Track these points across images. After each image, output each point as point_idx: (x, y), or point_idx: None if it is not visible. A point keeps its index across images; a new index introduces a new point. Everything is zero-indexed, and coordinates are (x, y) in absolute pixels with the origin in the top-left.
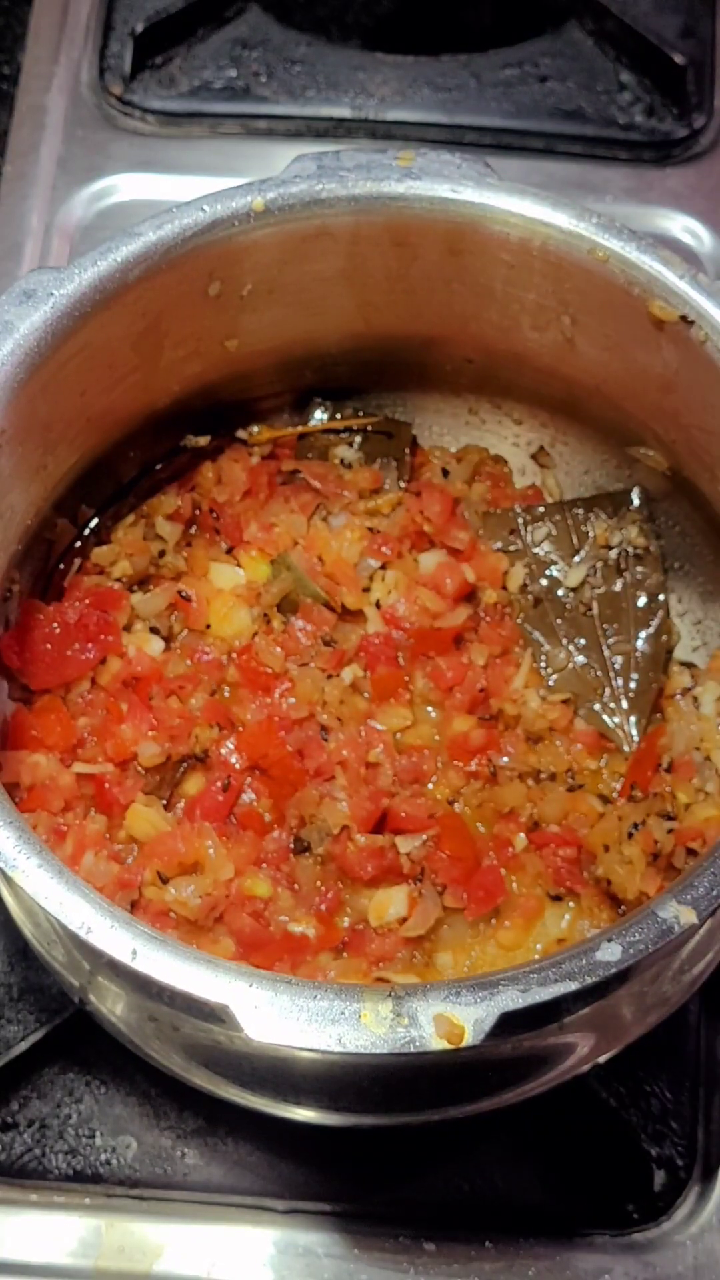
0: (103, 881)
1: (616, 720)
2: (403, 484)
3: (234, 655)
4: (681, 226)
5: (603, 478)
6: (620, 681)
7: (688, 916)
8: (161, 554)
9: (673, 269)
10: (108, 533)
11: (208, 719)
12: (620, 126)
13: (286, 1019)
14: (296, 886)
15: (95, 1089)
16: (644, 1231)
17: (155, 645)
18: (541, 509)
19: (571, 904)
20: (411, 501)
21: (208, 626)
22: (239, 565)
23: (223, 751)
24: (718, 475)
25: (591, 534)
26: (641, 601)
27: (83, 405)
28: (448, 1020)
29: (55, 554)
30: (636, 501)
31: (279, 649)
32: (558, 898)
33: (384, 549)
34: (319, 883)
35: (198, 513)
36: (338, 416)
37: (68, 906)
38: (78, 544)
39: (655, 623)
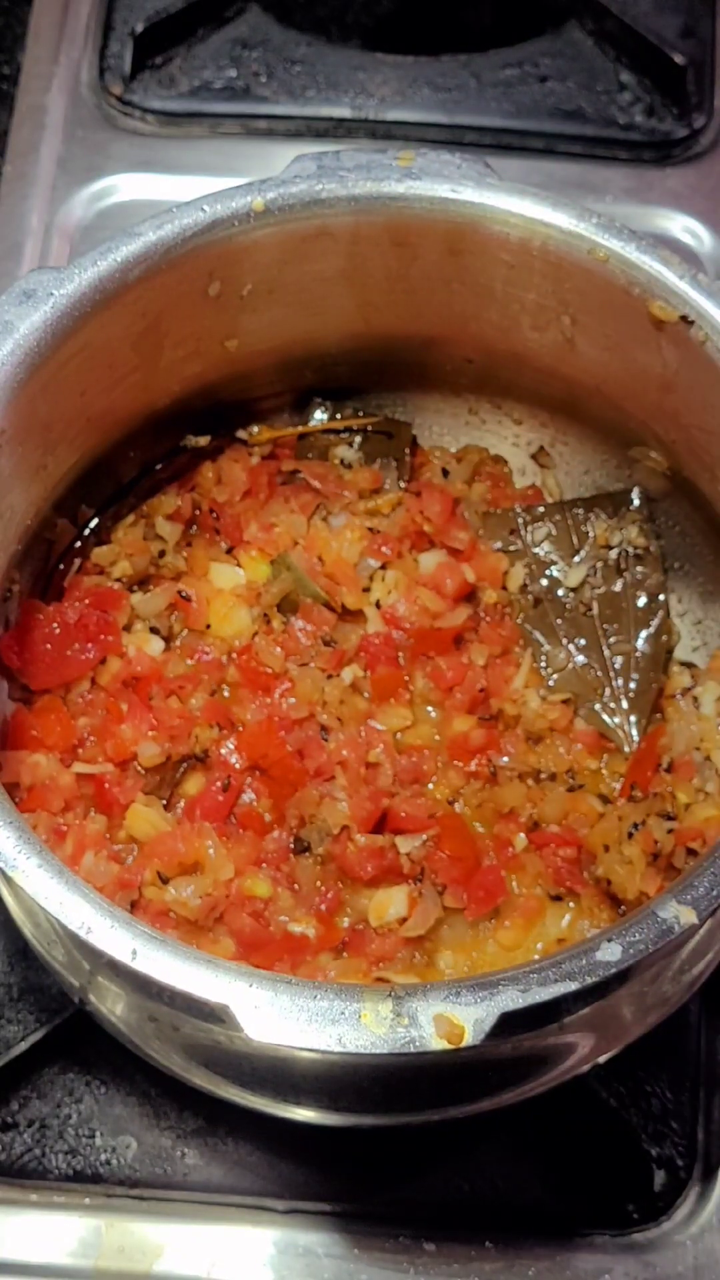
0: (103, 881)
1: (616, 720)
2: (403, 484)
3: (234, 655)
4: (681, 226)
5: (603, 478)
6: (620, 681)
7: (688, 916)
8: (161, 554)
9: (673, 269)
10: (108, 533)
11: (208, 719)
12: (620, 126)
13: (286, 1019)
14: (296, 886)
15: (95, 1089)
16: (644, 1231)
17: (155, 645)
18: (541, 509)
19: (571, 904)
20: (411, 501)
21: (208, 626)
22: (239, 565)
23: (223, 751)
24: (718, 475)
25: (591, 534)
26: (641, 601)
27: (83, 405)
28: (448, 1020)
29: (55, 554)
30: (636, 501)
31: (279, 649)
32: (558, 898)
33: (384, 549)
34: (319, 883)
35: (198, 513)
36: (338, 416)
37: (68, 906)
38: (78, 544)
39: (655, 623)
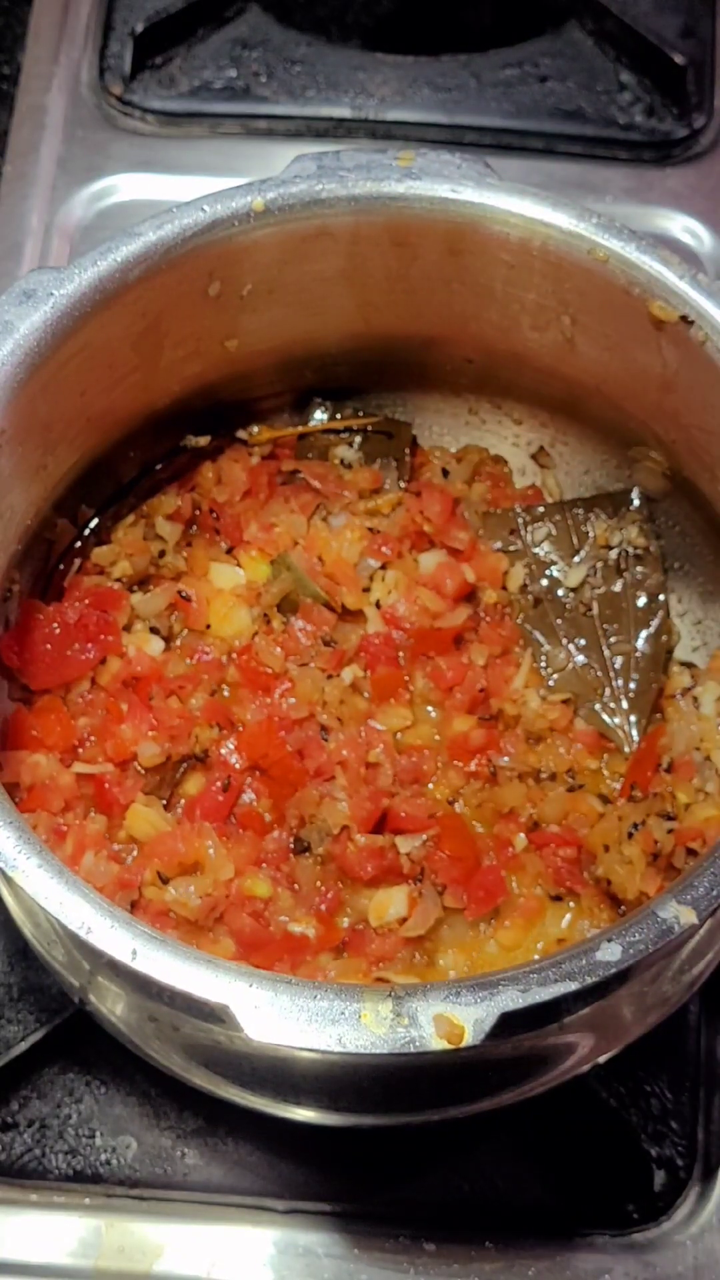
0: (103, 881)
1: (616, 720)
2: (403, 484)
3: (234, 655)
4: (681, 226)
5: (603, 478)
6: (620, 681)
7: (688, 916)
8: (161, 554)
9: (673, 269)
10: (108, 533)
11: (208, 719)
12: (620, 126)
13: (286, 1019)
14: (296, 886)
15: (95, 1089)
16: (644, 1231)
17: (155, 645)
18: (541, 509)
19: (571, 904)
20: (411, 501)
21: (208, 626)
22: (239, 565)
23: (223, 751)
24: (718, 475)
25: (591, 534)
26: (641, 601)
27: (83, 405)
28: (448, 1020)
29: (55, 554)
30: (636, 501)
31: (279, 649)
32: (558, 898)
33: (384, 549)
34: (319, 883)
35: (198, 513)
36: (338, 416)
37: (68, 906)
38: (78, 544)
39: (655, 623)
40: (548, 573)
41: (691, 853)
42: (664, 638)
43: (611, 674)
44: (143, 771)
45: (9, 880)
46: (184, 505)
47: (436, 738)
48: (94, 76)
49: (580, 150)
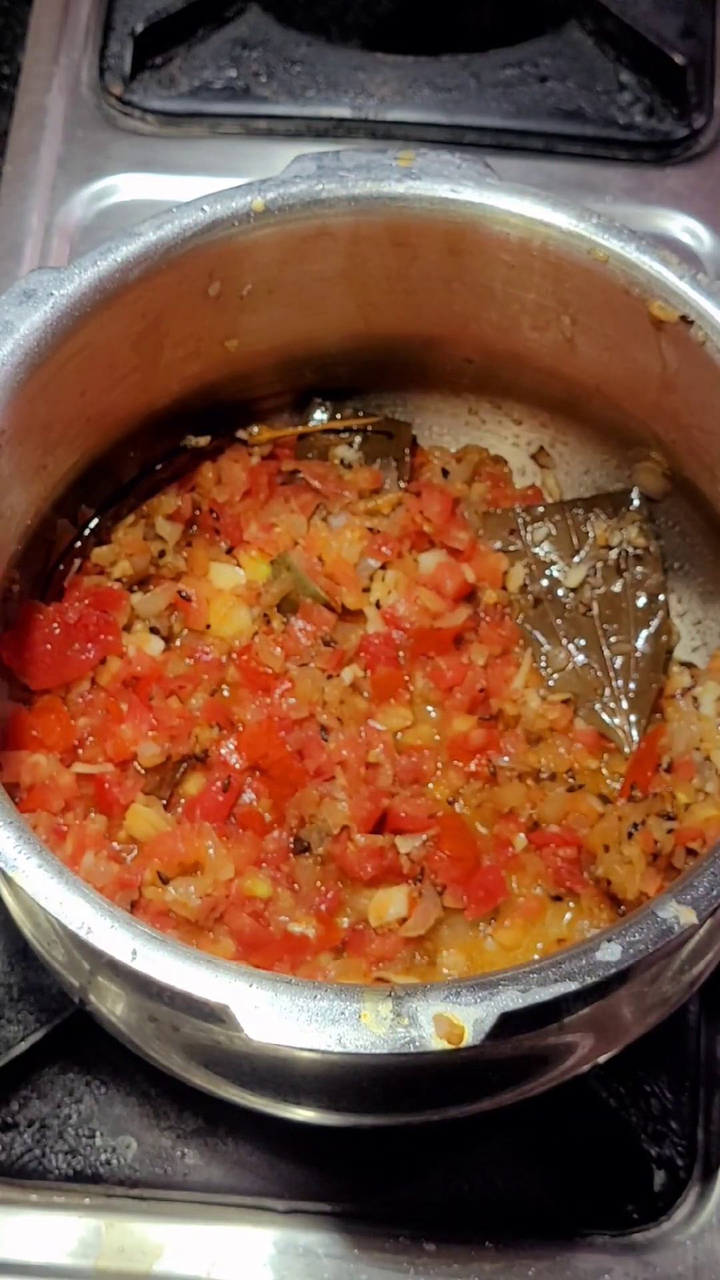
0: (103, 881)
1: (616, 720)
2: (403, 484)
3: (234, 655)
4: (681, 226)
5: (603, 478)
6: (620, 681)
7: (688, 916)
8: (161, 554)
9: (673, 269)
10: (108, 533)
11: (208, 719)
12: (620, 126)
13: (286, 1019)
14: (296, 886)
15: (95, 1089)
16: (644, 1231)
17: (155, 645)
18: (541, 509)
19: (571, 904)
20: (411, 501)
21: (208, 626)
22: (239, 565)
23: (223, 751)
24: (718, 475)
25: (591, 534)
26: (641, 601)
27: (83, 405)
28: (448, 1020)
29: (55, 554)
30: (636, 501)
31: (279, 649)
32: (558, 898)
33: (384, 549)
34: (319, 883)
35: (198, 513)
36: (338, 416)
37: (68, 906)
38: (78, 544)
39: (655, 623)
40: (548, 573)
41: (691, 853)
42: (664, 638)
43: (611, 674)
44: (143, 771)
45: (9, 880)
46: (184, 505)
47: (436, 738)
48: (94, 76)
49: (580, 150)
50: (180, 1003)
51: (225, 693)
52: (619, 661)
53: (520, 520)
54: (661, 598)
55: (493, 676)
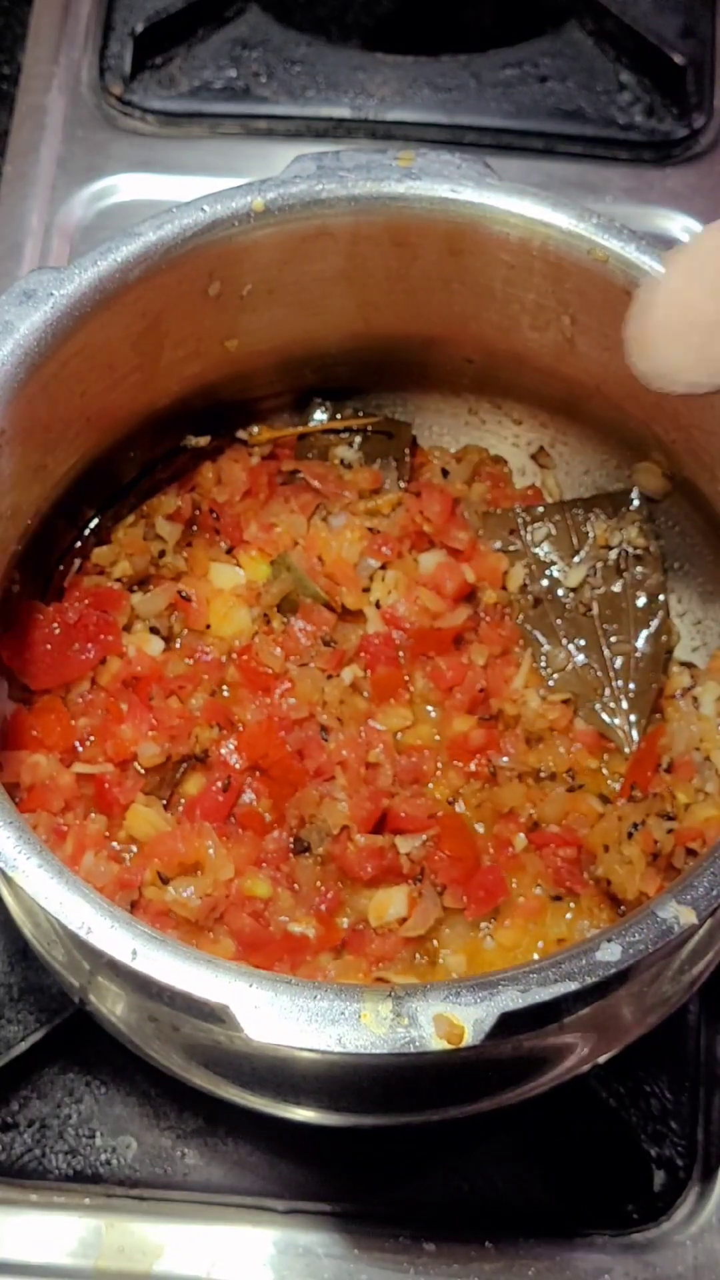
0: (103, 881)
1: (616, 720)
2: (403, 484)
3: (234, 655)
4: (681, 226)
5: (603, 478)
6: (620, 681)
7: (687, 916)
8: (161, 554)
9: None
10: (108, 533)
11: (208, 719)
12: (620, 126)
13: (286, 1019)
14: (296, 886)
15: (95, 1089)
16: (644, 1231)
17: (155, 645)
18: (541, 509)
19: (571, 904)
20: (411, 501)
21: (208, 626)
22: (239, 565)
23: (223, 751)
24: (718, 475)
25: (591, 534)
26: (641, 601)
27: (83, 405)
28: (448, 1020)
29: (55, 554)
30: (636, 501)
31: (279, 649)
32: (558, 898)
33: (384, 549)
34: (319, 883)
35: (198, 513)
36: (338, 416)
37: (68, 906)
38: (78, 544)
39: (655, 623)
40: (548, 573)
41: (691, 853)
42: (664, 638)
43: (611, 674)
44: (143, 771)
45: (9, 880)
46: (184, 505)
47: (436, 738)
48: (94, 76)
49: (580, 150)
50: (180, 1003)
51: (225, 693)
52: (619, 661)
53: (520, 520)
54: (661, 598)
55: (493, 676)
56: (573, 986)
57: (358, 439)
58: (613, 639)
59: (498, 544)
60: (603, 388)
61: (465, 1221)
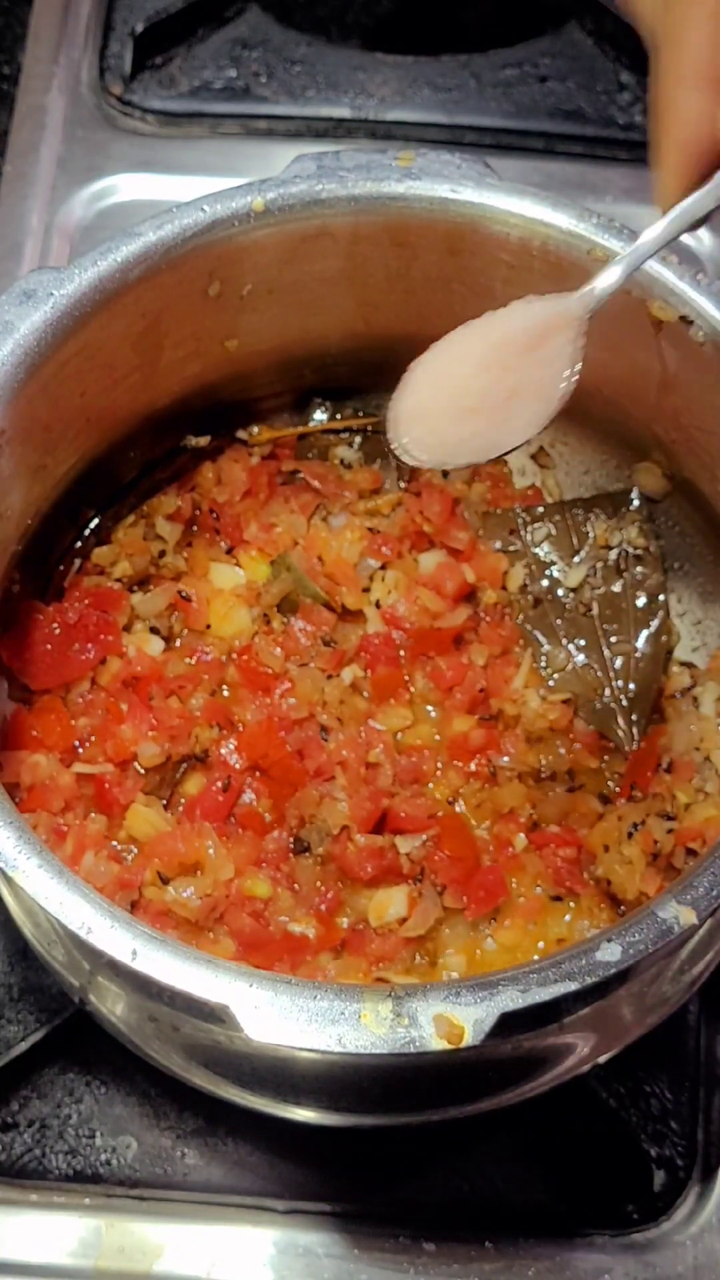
0: (103, 881)
1: (616, 720)
2: (403, 484)
3: (234, 655)
4: None
5: (603, 478)
6: (620, 681)
7: (687, 916)
8: (161, 554)
9: (673, 269)
10: (108, 533)
11: (208, 719)
12: (620, 126)
13: (286, 1019)
14: (296, 886)
15: (95, 1089)
16: (644, 1231)
17: (155, 645)
18: (541, 509)
19: (571, 904)
20: (411, 501)
21: (208, 626)
22: (239, 565)
23: (223, 751)
24: (718, 475)
25: (591, 534)
26: (641, 601)
27: (83, 405)
28: (448, 1020)
29: (55, 554)
30: (636, 501)
31: (279, 649)
32: (558, 898)
33: (384, 549)
34: (319, 883)
35: (198, 513)
36: (338, 416)
37: (68, 906)
38: (78, 544)
39: (655, 623)
40: (548, 573)
41: (691, 853)
42: (664, 638)
43: (611, 674)
44: (143, 771)
45: (9, 880)
46: (184, 505)
47: (436, 738)
48: (94, 76)
49: (580, 150)
50: (180, 1003)
51: (225, 693)
52: (619, 661)
53: (520, 520)
54: (661, 598)
55: (493, 676)
56: (573, 986)
57: (358, 439)
58: (613, 639)
59: (498, 544)
60: (603, 388)
61: (465, 1221)
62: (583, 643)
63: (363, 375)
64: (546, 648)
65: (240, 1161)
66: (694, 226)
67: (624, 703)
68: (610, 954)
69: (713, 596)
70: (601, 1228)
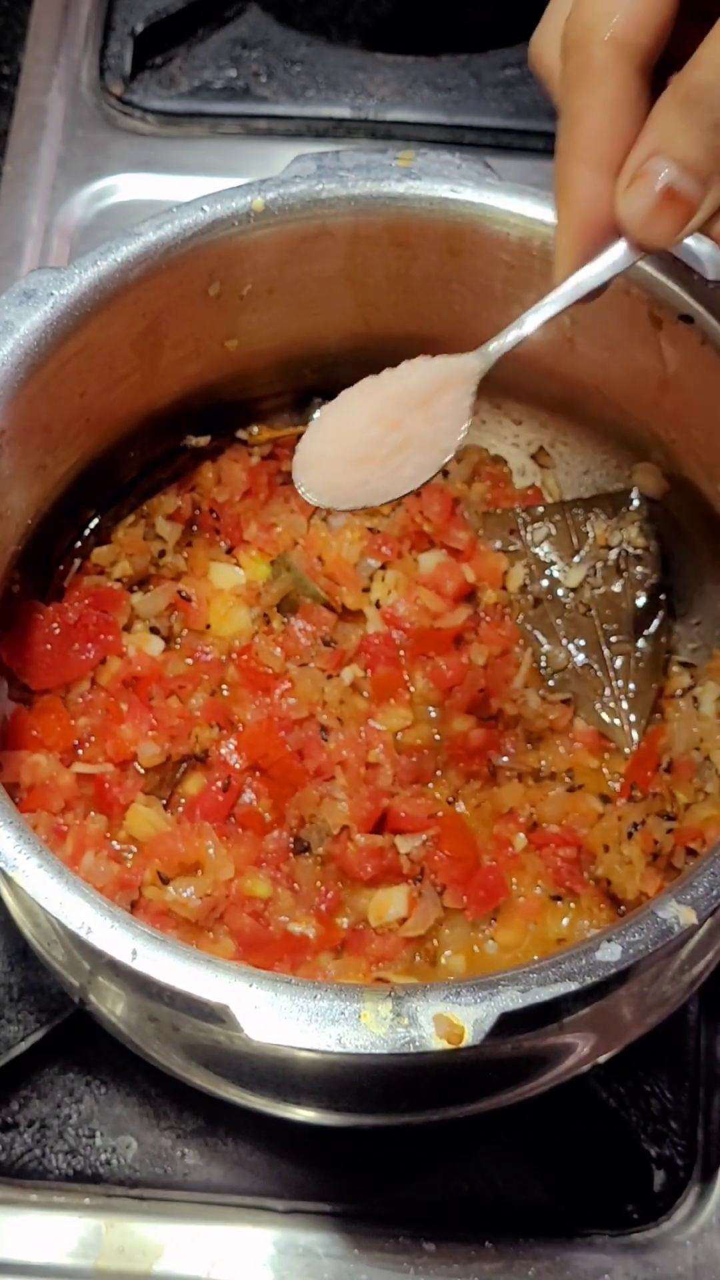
0: (103, 881)
1: (616, 720)
2: None
3: (234, 655)
4: None
5: (603, 478)
6: (620, 681)
7: (687, 916)
8: (161, 554)
9: (672, 269)
10: (108, 533)
11: (208, 719)
12: None
13: (286, 1019)
14: (296, 886)
15: (95, 1089)
16: (644, 1231)
17: (155, 645)
18: (541, 509)
19: (571, 904)
20: (411, 501)
21: (208, 626)
22: (239, 565)
23: (223, 751)
24: (718, 475)
25: (591, 534)
26: (641, 601)
27: (83, 405)
28: (448, 1020)
29: (55, 554)
30: (636, 501)
31: (279, 649)
32: (558, 898)
33: (384, 549)
34: (319, 883)
35: (198, 513)
36: None
37: (68, 906)
38: (78, 544)
39: (655, 623)
40: (548, 573)
41: (691, 853)
42: (664, 638)
43: (611, 674)
44: (143, 771)
45: (9, 880)
46: (184, 505)
47: (436, 738)
48: (94, 76)
49: None
50: (180, 1003)
51: (225, 693)
52: (619, 661)
53: (520, 520)
54: (662, 598)
55: (493, 676)
56: (573, 986)
57: None
58: (613, 639)
59: (498, 544)
60: (603, 388)
61: (465, 1221)
62: (583, 643)
63: (363, 375)
64: (546, 648)
65: (240, 1161)
66: (590, 297)
67: (624, 703)
68: (610, 954)
69: (713, 596)
70: (601, 1228)
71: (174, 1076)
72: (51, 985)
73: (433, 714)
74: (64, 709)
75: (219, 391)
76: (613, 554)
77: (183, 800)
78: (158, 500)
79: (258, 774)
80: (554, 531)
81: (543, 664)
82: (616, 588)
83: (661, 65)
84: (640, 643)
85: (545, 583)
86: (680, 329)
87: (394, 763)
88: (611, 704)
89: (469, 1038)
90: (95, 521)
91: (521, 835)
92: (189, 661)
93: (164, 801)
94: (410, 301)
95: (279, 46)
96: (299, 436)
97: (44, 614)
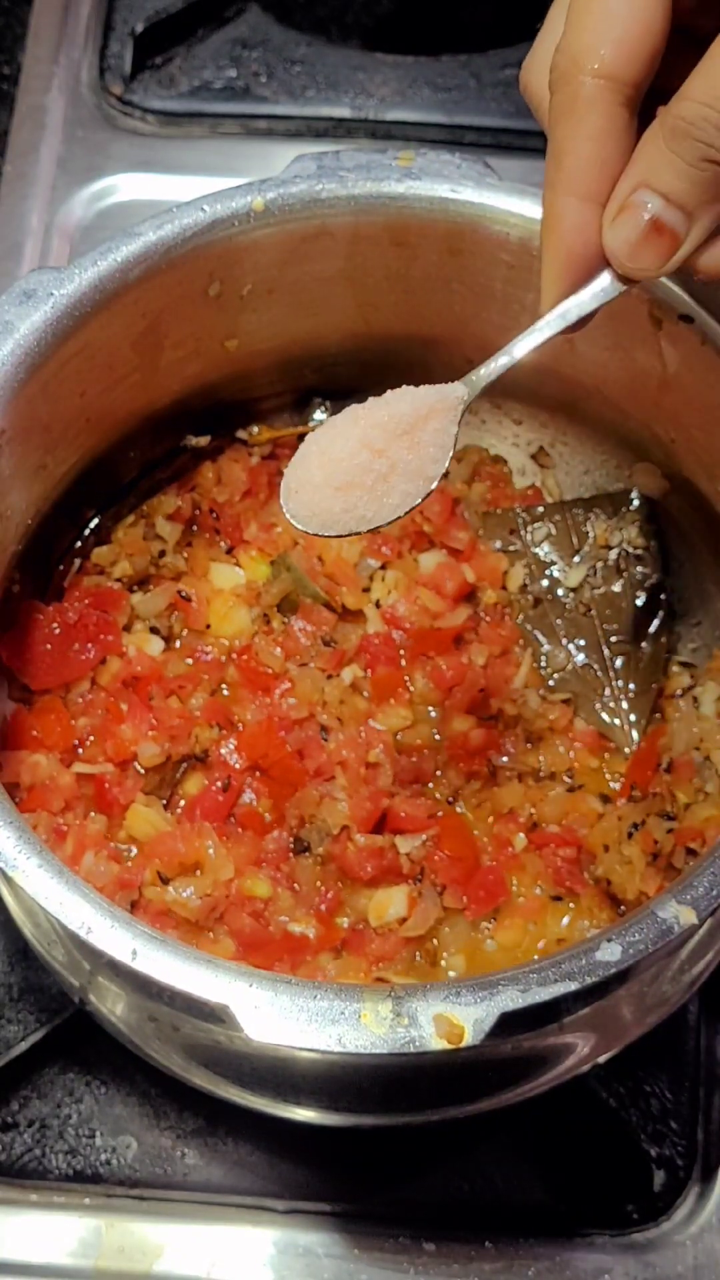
0: (103, 881)
1: (616, 720)
2: None
3: (234, 655)
4: None
5: (603, 478)
6: (620, 681)
7: (688, 916)
8: (161, 554)
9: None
10: (108, 533)
11: (208, 719)
12: None
13: (286, 1019)
14: (296, 886)
15: (95, 1089)
16: (644, 1231)
17: (155, 645)
18: (541, 509)
19: (571, 904)
20: None
21: (208, 626)
22: (239, 565)
23: (223, 751)
24: (717, 475)
25: (591, 534)
26: (641, 601)
27: (83, 405)
28: (448, 1020)
29: (55, 554)
30: (636, 501)
31: (279, 649)
32: (558, 898)
33: (384, 549)
34: (319, 883)
35: (198, 513)
36: None
37: (68, 906)
38: (78, 544)
39: (655, 623)
40: (548, 573)
41: (691, 853)
42: (664, 638)
43: (611, 674)
44: (143, 771)
45: (9, 880)
46: (184, 505)
47: (436, 738)
48: (94, 76)
49: None
50: (180, 1003)
51: (225, 693)
52: (619, 661)
53: (520, 520)
54: (662, 598)
55: (493, 676)
56: (573, 986)
57: None
58: (613, 639)
59: (498, 544)
60: (603, 388)
61: (465, 1221)
62: (583, 643)
63: (363, 375)
64: (546, 648)
65: (240, 1161)
66: (577, 326)
67: (624, 703)
68: (610, 954)
69: (713, 596)
70: (601, 1228)
71: (174, 1076)
72: (51, 985)
73: (433, 714)
74: (64, 709)
75: (219, 391)
76: (613, 554)
77: (183, 800)
78: (158, 500)
79: (258, 774)
80: (554, 531)
81: (543, 664)
82: (616, 588)
83: (650, 95)
84: (640, 643)
85: (545, 583)
86: (680, 329)
87: (394, 763)
88: (611, 704)
89: (469, 1038)
90: (95, 521)
91: (521, 835)
92: (189, 661)
93: (164, 801)
94: (410, 301)
95: (279, 46)
96: (299, 436)
97: (44, 614)
